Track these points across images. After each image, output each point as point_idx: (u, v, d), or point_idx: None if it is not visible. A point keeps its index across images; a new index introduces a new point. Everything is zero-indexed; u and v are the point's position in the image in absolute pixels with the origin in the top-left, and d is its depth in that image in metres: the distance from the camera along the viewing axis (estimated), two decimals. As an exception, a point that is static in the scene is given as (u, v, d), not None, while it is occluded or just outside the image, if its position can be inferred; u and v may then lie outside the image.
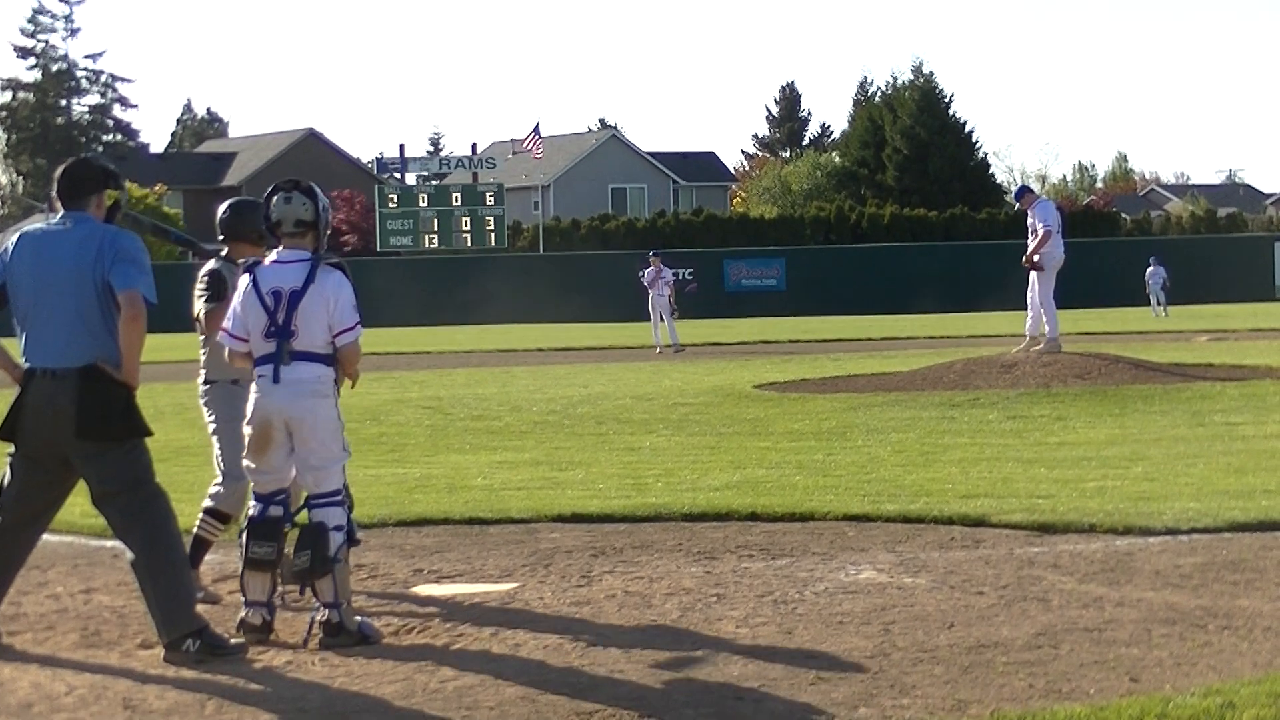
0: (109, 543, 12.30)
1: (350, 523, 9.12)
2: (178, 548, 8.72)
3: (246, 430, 9.10)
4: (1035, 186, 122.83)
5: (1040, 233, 24.13)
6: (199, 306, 10.02)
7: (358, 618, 9.05)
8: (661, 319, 41.10)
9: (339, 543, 8.99)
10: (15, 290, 8.71)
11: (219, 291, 9.98)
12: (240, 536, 9.21)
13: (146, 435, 8.70)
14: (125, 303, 8.49)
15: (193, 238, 10.40)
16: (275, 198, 9.26)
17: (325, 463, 9.02)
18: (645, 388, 26.04)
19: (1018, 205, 25.76)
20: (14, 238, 8.86)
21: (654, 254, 43.47)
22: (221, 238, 10.24)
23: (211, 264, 10.16)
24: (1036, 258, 24.19)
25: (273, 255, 9.19)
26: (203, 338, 10.10)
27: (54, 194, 8.82)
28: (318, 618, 8.98)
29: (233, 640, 8.75)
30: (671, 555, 11.41)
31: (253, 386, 9.09)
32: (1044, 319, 24.48)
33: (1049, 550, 11.16)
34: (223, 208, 10.40)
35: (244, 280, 9.14)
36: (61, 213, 8.81)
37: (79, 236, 8.68)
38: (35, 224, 8.99)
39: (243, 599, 9.12)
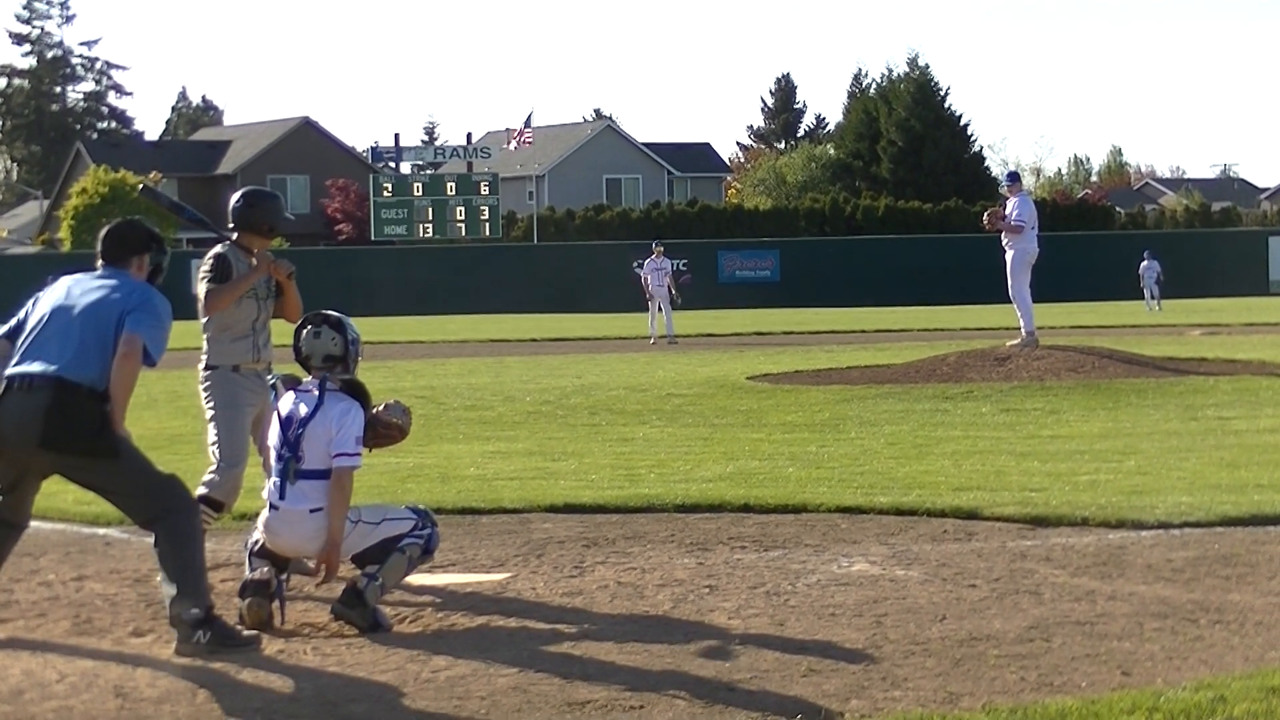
0: (101, 530, 12.33)
1: (430, 539, 9.29)
2: (197, 540, 8.76)
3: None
4: (1029, 179, 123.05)
5: (1012, 224, 24.37)
6: (200, 287, 10.02)
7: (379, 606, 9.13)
8: (660, 309, 41.10)
9: (411, 542, 9.20)
10: (32, 315, 8.80)
11: (222, 274, 9.99)
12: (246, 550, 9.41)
13: (113, 455, 8.60)
14: (124, 343, 8.54)
15: (206, 218, 10.38)
16: (305, 331, 9.44)
17: (370, 539, 9.19)
18: (639, 379, 26.04)
19: (1006, 188, 25.94)
20: (51, 280, 9.04)
21: (657, 243, 43.48)
22: (232, 225, 10.22)
23: (219, 248, 10.15)
24: (1002, 226, 24.43)
25: (306, 379, 9.40)
26: (204, 321, 10.10)
27: (97, 252, 9.01)
28: (350, 582, 9.09)
29: (245, 632, 8.76)
30: (664, 546, 11.42)
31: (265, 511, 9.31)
32: (1018, 313, 24.61)
33: (1041, 543, 11.17)
34: (236, 196, 10.36)
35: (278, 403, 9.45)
36: (101, 268, 8.96)
37: (115, 283, 8.83)
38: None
39: (248, 569, 9.23)
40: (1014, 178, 26.18)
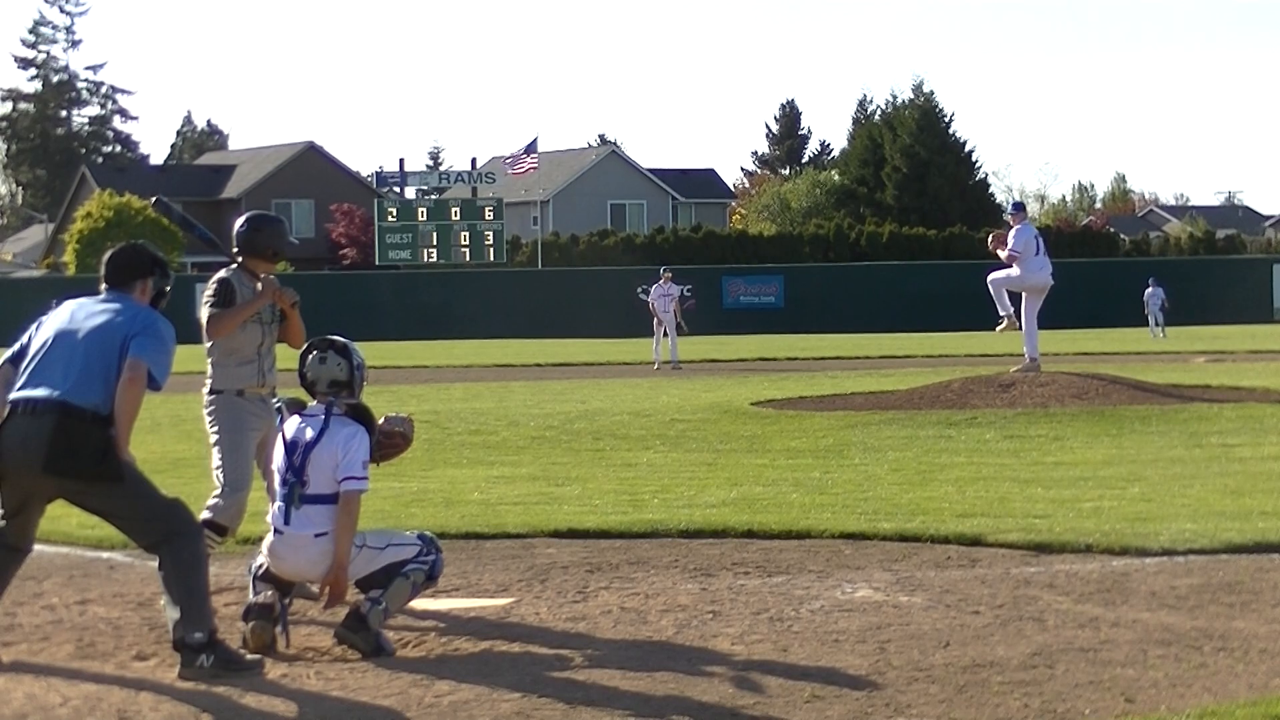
0: (104, 554, 12.33)
1: (434, 565, 9.35)
2: (201, 565, 8.75)
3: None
4: (1033, 206, 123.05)
5: (1008, 254, 24.42)
6: (204, 312, 10.03)
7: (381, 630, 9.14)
8: (665, 335, 41.12)
9: (415, 567, 9.25)
10: (35, 339, 8.79)
11: (225, 298, 9.99)
12: (250, 574, 9.46)
13: (116, 480, 8.60)
14: (129, 367, 8.54)
15: (216, 238, 10.41)
16: (310, 356, 9.47)
17: (374, 564, 9.22)
18: (643, 404, 26.04)
19: (1010, 216, 25.87)
20: (55, 304, 9.03)
21: (665, 269, 43.66)
22: (236, 250, 10.23)
23: (223, 272, 10.16)
24: (1002, 254, 24.49)
25: (311, 404, 9.44)
26: (209, 345, 10.10)
27: (100, 276, 9.01)
28: (354, 606, 9.10)
29: (248, 656, 8.76)
30: (667, 572, 11.42)
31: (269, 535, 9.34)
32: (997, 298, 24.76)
33: (1045, 570, 11.17)
34: (240, 221, 10.36)
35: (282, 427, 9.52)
36: (105, 292, 8.96)
37: (119, 307, 8.83)
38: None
39: (252, 593, 9.27)
40: (1018, 208, 26.11)
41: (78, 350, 8.62)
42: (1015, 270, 24.49)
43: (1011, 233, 24.81)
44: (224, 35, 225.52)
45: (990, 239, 25.21)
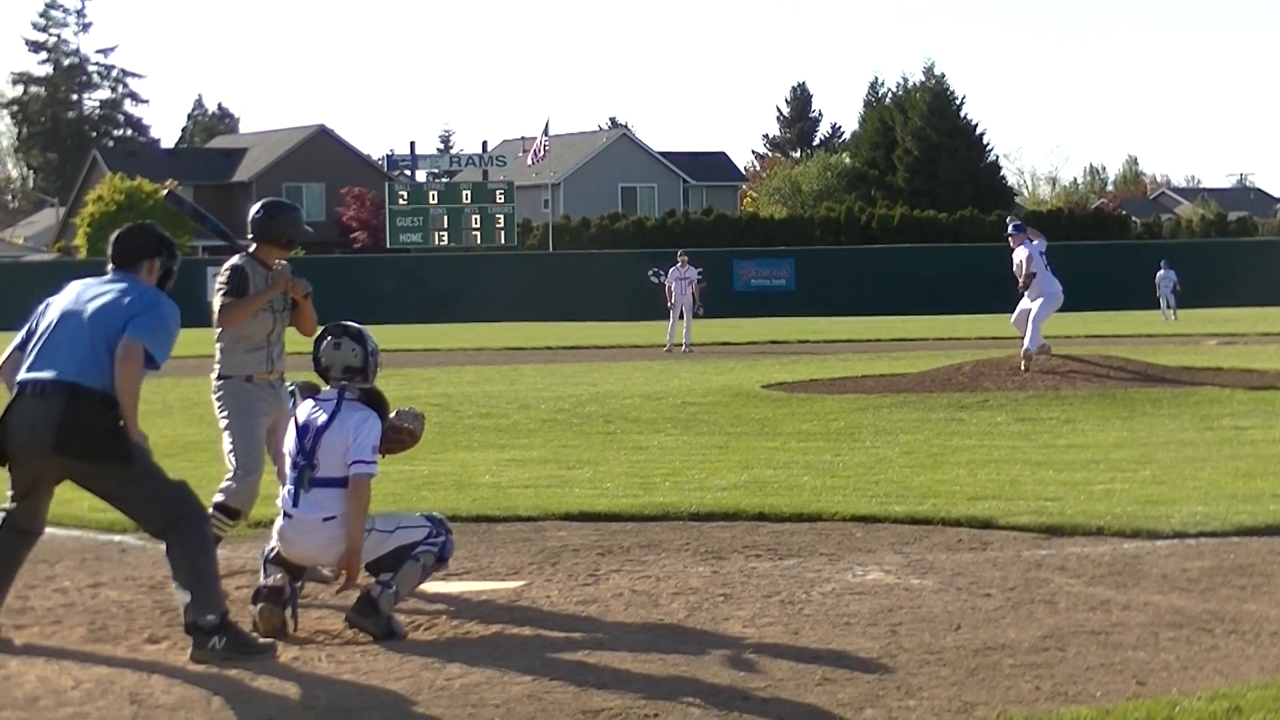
0: (116, 537, 12.35)
1: (444, 547, 9.33)
2: (209, 548, 8.76)
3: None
4: (1045, 189, 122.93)
5: (1027, 265, 24.31)
6: (216, 300, 10.02)
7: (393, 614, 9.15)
8: (681, 317, 41.12)
9: (425, 550, 9.23)
10: (41, 320, 8.78)
11: (238, 287, 9.99)
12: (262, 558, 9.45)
13: (125, 461, 8.59)
14: (122, 346, 8.51)
15: (228, 229, 10.41)
16: (324, 342, 9.46)
17: (384, 547, 9.22)
18: (653, 387, 26.04)
19: (1010, 238, 25.25)
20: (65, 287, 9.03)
21: (682, 253, 43.72)
22: (251, 236, 10.22)
23: (236, 259, 10.14)
24: (1021, 282, 24.52)
25: (325, 389, 9.44)
26: (218, 331, 10.10)
27: (108, 256, 9.00)
28: (364, 590, 9.12)
29: (260, 639, 8.77)
30: (679, 555, 11.42)
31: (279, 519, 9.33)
32: (1027, 333, 24.52)
33: (1056, 553, 11.16)
34: (256, 208, 10.34)
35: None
36: (111, 272, 8.94)
37: (124, 286, 8.80)
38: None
39: (263, 576, 9.28)
40: (1019, 229, 25.55)
41: (83, 331, 8.62)
42: (1037, 294, 24.25)
43: (1021, 256, 24.48)
44: (234, 18, 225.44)
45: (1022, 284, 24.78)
